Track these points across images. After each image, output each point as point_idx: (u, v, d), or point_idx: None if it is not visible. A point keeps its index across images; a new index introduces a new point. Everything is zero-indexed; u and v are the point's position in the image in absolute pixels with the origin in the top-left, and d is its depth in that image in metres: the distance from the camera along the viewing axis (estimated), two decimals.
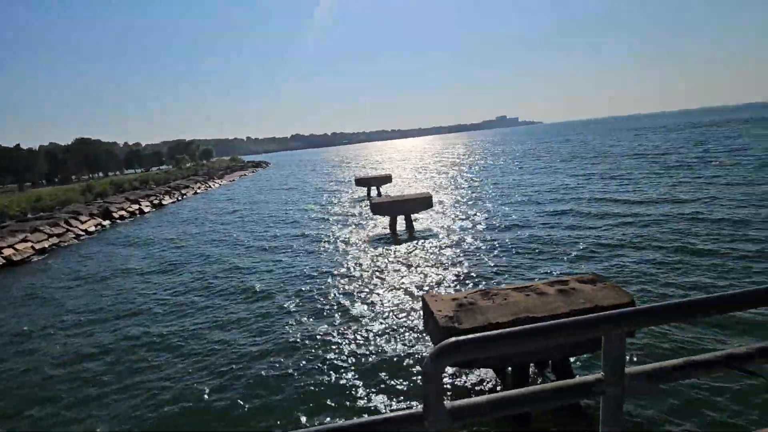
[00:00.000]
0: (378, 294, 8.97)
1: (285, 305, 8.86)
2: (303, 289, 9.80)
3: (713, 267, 8.49)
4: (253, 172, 74.72)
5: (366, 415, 4.84)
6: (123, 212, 27.80)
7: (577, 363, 5.80)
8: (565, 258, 10.14)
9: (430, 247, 12.30)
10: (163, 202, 33.98)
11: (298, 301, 9.05)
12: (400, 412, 0.91)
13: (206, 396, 5.88)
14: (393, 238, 14.02)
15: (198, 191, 43.88)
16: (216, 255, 14.25)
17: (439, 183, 29.14)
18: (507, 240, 12.24)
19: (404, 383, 5.70)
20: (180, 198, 37.84)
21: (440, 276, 9.73)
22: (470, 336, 0.88)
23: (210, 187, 48.01)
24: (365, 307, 8.36)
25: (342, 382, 5.88)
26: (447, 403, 0.91)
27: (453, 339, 0.89)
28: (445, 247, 12.20)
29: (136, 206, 29.89)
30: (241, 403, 5.65)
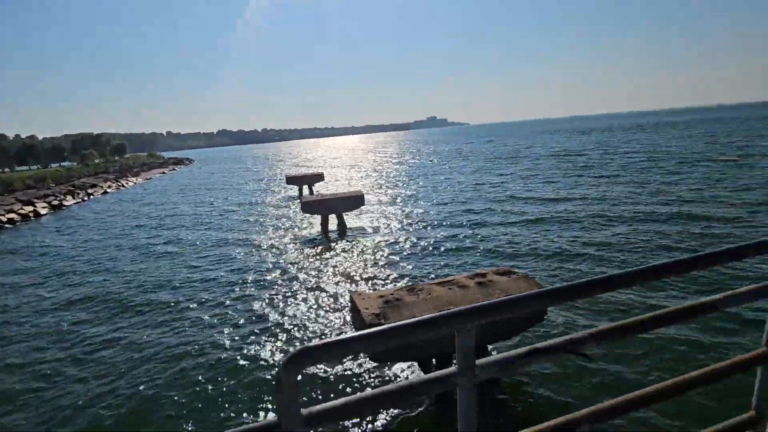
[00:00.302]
0: (308, 295, 8.74)
1: (204, 318, 8.20)
2: (225, 297, 9.21)
3: (615, 258, 9.49)
4: (173, 169, 69.31)
5: None
6: (13, 215, 24.19)
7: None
8: (487, 253, 10.71)
9: (362, 246, 12.30)
10: (65, 203, 30.19)
11: (218, 311, 8.43)
12: (255, 424, 0.90)
13: (106, 423, 5.27)
14: (324, 238, 13.81)
15: (108, 190, 39.68)
16: (125, 264, 12.92)
17: (371, 181, 29.35)
18: (436, 237, 12.63)
19: (333, 386, 5.59)
20: (86, 198, 33.91)
21: (370, 274, 9.75)
22: (321, 342, 0.87)
23: (123, 186, 43.63)
24: (294, 309, 8.10)
25: (267, 389, 5.61)
26: (303, 410, 0.91)
27: (305, 346, 0.89)
28: (376, 245, 12.28)
29: (30, 208, 26.19)
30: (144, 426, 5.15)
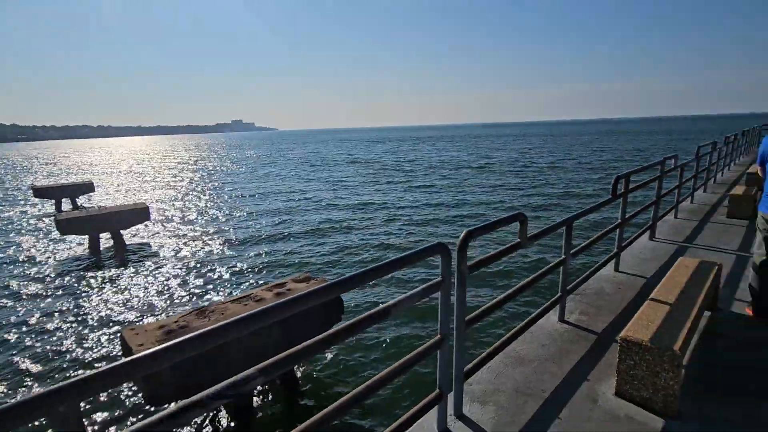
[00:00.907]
0: (67, 341, 6.84)
1: None
2: None
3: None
4: None
5: None
6: None
7: None
8: (293, 262, 10.69)
9: (145, 269, 10.46)
10: None
11: None
12: None
13: None
14: (95, 263, 11.19)
15: None
16: None
17: (160, 192, 25.51)
18: (238, 252, 11.88)
19: None
20: None
21: (155, 302, 8.37)
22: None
23: None
24: (46, 362, 6.19)
25: None
26: None
27: None
28: (164, 267, 10.65)
29: None
30: None
